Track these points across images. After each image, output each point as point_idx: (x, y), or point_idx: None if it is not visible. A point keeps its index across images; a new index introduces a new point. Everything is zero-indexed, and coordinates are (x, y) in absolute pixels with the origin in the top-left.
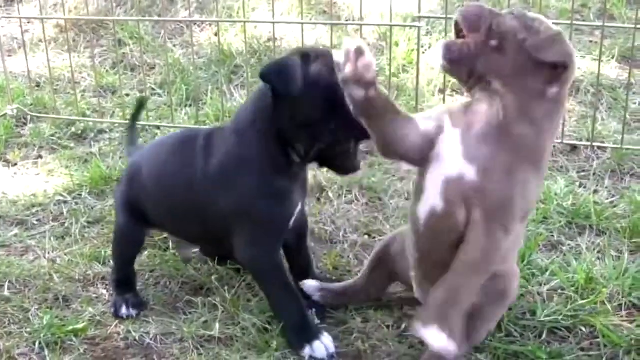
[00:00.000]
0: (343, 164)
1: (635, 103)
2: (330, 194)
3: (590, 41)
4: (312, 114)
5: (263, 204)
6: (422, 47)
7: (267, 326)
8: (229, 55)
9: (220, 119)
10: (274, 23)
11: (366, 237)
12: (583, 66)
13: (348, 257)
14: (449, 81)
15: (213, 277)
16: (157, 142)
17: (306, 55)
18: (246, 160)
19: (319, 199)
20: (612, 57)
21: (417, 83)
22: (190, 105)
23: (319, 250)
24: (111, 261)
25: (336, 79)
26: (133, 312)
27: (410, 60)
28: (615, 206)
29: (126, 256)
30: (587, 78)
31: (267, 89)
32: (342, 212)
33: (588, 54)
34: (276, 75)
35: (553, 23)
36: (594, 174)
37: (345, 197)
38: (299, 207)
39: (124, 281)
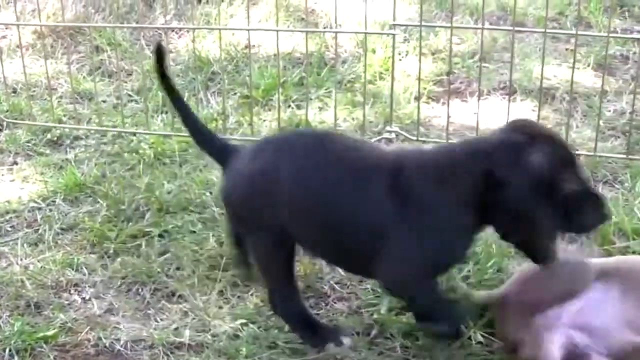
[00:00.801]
0: (535, 254)
1: (609, 111)
2: None
3: (567, 49)
4: (522, 205)
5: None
6: (399, 54)
7: (237, 333)
8: (206, 62)
9: None
10: (249, 30)
11: None
12: (559, 74)
13: (322, 264)
14: (424, 88)
15: (185, 284)
16: (315, 149)
17: (537, 147)
18: (437, 214)
19: None
20: (588, 65)
21: (392, 90)
22: (166, 112)
23: None
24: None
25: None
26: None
27: (387, 67)
28: None
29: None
30: (563, 86)
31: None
32: None
33: (564, 62)
34: (507, 160)
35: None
36: None
37: None
38: None
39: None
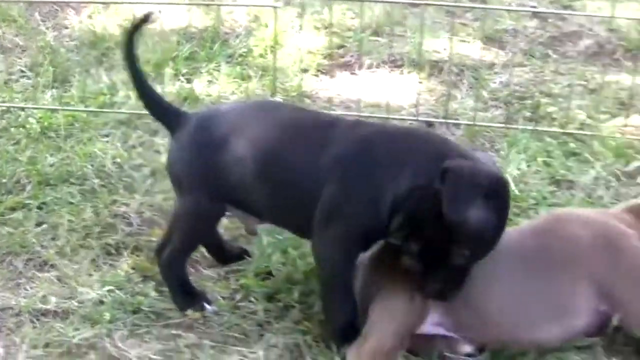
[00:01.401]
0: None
1: (495, 82)
2: None
3: (461, 23)
4: (423, 229)
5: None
6: (293, 28)
7: (103, 299)
8: (101, 38)
9: (85, 101)
10: (139, 3)
11: None
12: (448, 47)
13: None
14: (313, 61)
15: (58, 253)
16: (260, 115)
17: (490, 196)
18: (375, 181)
19: None
20: (478, 39)
21: (274, 61)
22: (57, 87)
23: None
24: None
25: (470, 247)
26: (211, 308)
27: (279, 41)
28: None
29: (197, 238)
30: (451, 58)
31: (436, 182)
32: None
33: (455, 35)
34: (454, 190)
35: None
36: None
37: None
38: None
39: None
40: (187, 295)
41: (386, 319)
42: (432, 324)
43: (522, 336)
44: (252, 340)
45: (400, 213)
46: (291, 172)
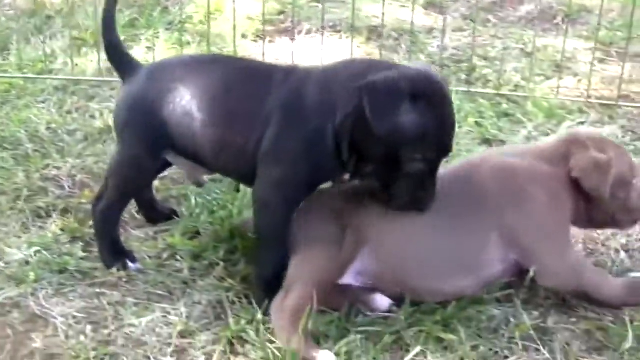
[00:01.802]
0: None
1: (433, 47)
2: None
3: None
4: (367, 152)
5: (303, 162)
6: None
7: (29, 260)
8: (41, 5)
9: (23, 68)
10: None
11: None
12: (389, 12)
13: None
14: (252, 27)
15: None
16: (212, 67)
17: (418, 96)
18: (311, 120)
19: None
20: (419, 4)
21: (208, 28)
22: None
23: (97, 188)
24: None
25: (416, 151)
26: (134, 266)
27: (219, 8)
28: None
29: (133, 189)
30: (391, 24)
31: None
32: None
33: (395, 1)
34: (375, 100)
35: None
36: None
37: None
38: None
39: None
40: (114, 253)
41: (307, 271)
42: (353, 274)
43: (438, 286)
44: (176, 298)
45: (343, 144)
46: (235, 121)
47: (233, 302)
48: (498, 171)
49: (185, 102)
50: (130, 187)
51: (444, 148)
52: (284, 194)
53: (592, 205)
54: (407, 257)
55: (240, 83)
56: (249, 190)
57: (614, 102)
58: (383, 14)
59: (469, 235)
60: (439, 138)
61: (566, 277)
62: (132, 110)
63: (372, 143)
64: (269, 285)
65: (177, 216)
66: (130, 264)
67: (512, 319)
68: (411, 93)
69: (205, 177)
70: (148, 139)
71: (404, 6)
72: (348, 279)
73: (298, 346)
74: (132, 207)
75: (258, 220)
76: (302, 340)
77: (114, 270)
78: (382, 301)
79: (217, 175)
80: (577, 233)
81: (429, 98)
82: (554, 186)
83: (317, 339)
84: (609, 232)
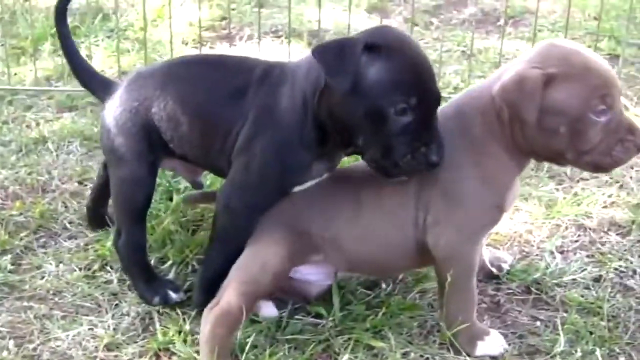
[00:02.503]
0: (379, 167)
1: None
2: (50, 145)
3: None
4: (349, 120)
5: (273, 164)
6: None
7: None
8: None
9: None
10: None
11: (77, 184)
12: (332, 17)
13: (57, 204)
14: (194, 34)
15: None
16: (190, 69)
17: (373, 47)
18: (280, 126)
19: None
20: (363, 8)
21: (145, 34)
22: None
23: (29, 199)
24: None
25: (395, 96)
26: (177, 296)
27: (161, 15)
28: None
29: (142, 208)
30: (334, 28)
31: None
32: (59, 161)
33: (338, 5)
34: (328, 59)
35: None
36: None
37: (66, 147)
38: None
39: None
40: (152, 285)
41: (239, 279)
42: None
43: (375, 264)
44: (104, 310)
45: (321, 121)
46: (215, 121)
47: (162, 314)
48: None
49: (169, 107)
50: (138, 206)
51: (426, 91)
52: (248, 200)
53: (525, 134)
54: (344, 235)
55: (218, 83)
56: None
57: None
58: (319, 19)
59: (395, 208)
60: (415, 81)
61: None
62: (120, 125)
63: (351, 109)
64: (209, 287)
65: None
66: (172, 295)
67: (443, 325)
68: (366, 43)
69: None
70: (142, 150)
71: (346, 10)
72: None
73: None
74: (63, 217)
75: (218, 221)
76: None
77: (156, 303)
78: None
79: None
80: (513, 236)
81: (388, 45)
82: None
83: (243, 348)
84: (543, 234)
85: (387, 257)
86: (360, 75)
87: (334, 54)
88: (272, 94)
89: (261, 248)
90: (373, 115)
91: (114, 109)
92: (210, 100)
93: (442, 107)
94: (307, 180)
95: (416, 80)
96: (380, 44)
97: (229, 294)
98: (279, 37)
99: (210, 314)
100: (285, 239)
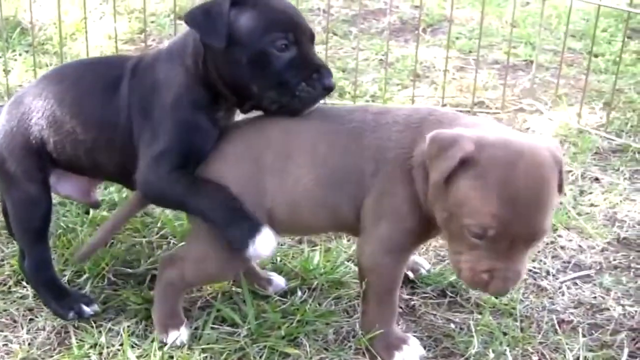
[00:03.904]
0: (281, 106)
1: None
2: None
3: None
4: (237, 72)
5: (178, 136)
6: (97, 14)
7: None
8: None
9: None
10: None
11: None
12: None
13: None
14: (112, 47)
15: None
16: (63, 72)
17: (238, 2)
18: (168, 93)
19: None
20: None
21: (61, 48)
22: None
23: None
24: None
25: (272, 34)
26: (91, 309)
27: (80, 29)
28: None
29: (41, 226)
30: None
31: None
32: None
33: None
34: (199, 21)
35: None
36: None
37: None
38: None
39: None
40: (63, 302)
41: (199, 259)
42: None
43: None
44: (19, 325)
45: (213, 84)
46: (97, 119)
47: (78, 327)
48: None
49: (48, 112)
50: (36, 226)
51: (300, 26)
52: (166, 166)
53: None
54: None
55: (91, 79)
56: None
57: (468, 109)
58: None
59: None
60: (287, 18)
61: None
62: (4, 148)
63: (236, 62)
64: (230, 220)
65: None
66: (85, 309)
67: (359, 331)
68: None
69: (97, 196)
70: (30, 169)
71: None
72: None
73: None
74: None
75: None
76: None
77: (70, 318)
78: (278, 281)
79: (63, 200)
80: (429, 240)
81: None
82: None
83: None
84: None
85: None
86: (234, 29)
87: (204, 16)
88: (150, 77)
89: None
90: (258, 60)
91: None
92: (85, 95)
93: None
94: (215, 133)
95: (288, 17)
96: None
97: (185, 269)
98: None
99: (162, 274)
100: None
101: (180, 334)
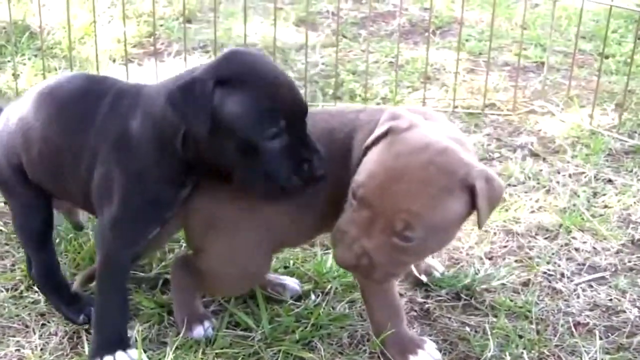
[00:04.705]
0: (262, 192)
1: (303, 63)
2: None
3: (277, 8)
4: (221, 158)
5: (134, 208)
6: (106, 17)
7: None
8: None
9: None
10: None
11: (2, 204)
12: (260, 31)
13: None
14: (121, 51)
15: None
16: (47, 88)
17: (224, 82)
18: (135, 158)
19: None
20: (291, 22)
21: (70, 53)
22: None
23: None
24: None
25: (262, 125)
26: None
27: (89, 32)
28: None
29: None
30: (263, 41)
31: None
32: None
33: (266, 19)
34: (179, 104)
35: None
36: None
37: None
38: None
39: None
40: (73, 306)
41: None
42: None
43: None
44: (31, 330)
45: (188, 160)
46: (65, 150)
47: (90, 332)
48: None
49: (24, 132)
50: (38, 233)
51: (292, 109)
52: (120, 236)
53: None
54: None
55: (67, 104)
56: None
57: (479, 111)
58: (245, 34)
59: None
60: (277, 103)
61: None
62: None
63: (220, 149)
64: (106, 335)
65: None
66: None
67: (373, 334)
68: (216, 79)
69: (83, 217)
70: (19, 177)
71: (272, 24)
72: None
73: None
74: None
75: (97, 259)
76: None
77: (81, 322)
78: (293, 285)
79: None
80: None
81: (238, 75)
82: None
83: None
84: (472, 241)
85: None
86: (219, 113)
87: (184, 98)
88: (124, 122)
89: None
90: (245, 149)
91: None
92: (57, 121)
93: None
94: (176, 207)
95: (278, 101)
96: (229, 77)
97: (199, 281)
98: (207, 52)
99: (177, 278)
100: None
101: (206, 328)
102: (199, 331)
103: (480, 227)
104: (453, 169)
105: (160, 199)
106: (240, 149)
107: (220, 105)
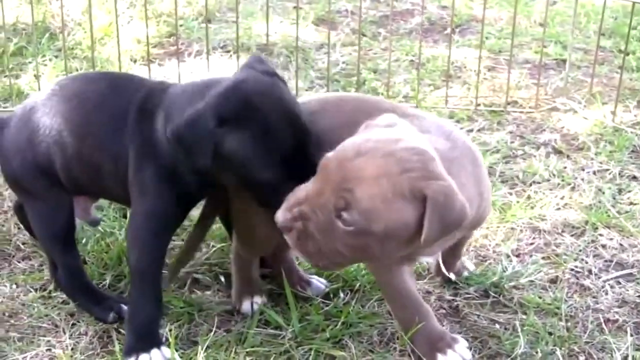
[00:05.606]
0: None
1: (323, 62)
2: None
3: (294, 7)
4: (225, 181)
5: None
6: (125, 17)
7: None
8: None
9: None
10: None
11: None
12: (280, 30)
13: (10, 225)
14: (142, 51)
15: None
16: (72, 87)
17: (225, 120)
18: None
19: None
20: (310, 21)
21: (92, 52)
22: None
23: None
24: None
25: (264, 166)
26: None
27: (109, 33)
28: None
29: (64, 234)
30: (283, 41)
31: None
32: None
33: (287, 19)
34: (184, 145)
35: None
36: None
37: None
38: None
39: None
40: (102, 305)
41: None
42: None
43: None
44: (61, 330)
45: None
46: (100, 143)
47: (119, 331)
48: None
49: (55, 132)
50: (61, 234)
51: (293, 139)
52: (153, 227)
53: None
54: None
55: (101, 108)
56: None
57: (502, 109)
58: (267, 33)
59: None
60: (278, 138)
61: None
62: (18, 164)
63: (223, 179)
64: (140, 333)
65: None
66: (125, 308)
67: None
68: (218, 116)
69: (95, 214)
70: (44, 181)
71: (294, 23)
72: None
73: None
74: (16, 239)
75: (129, 256)
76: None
77: (111, 320)
78: (318, 283)
79: (103, 202)
80: (469, 241)
81: (238, 113)
82: None
83: None
84: (499, 238)
85: None
86: (221, 149)
87: (189, 138)
88: (152, 125)
89: None
90: (248, 181)
91: (9, 141)
92: (91, 122)
93: None
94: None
95: (278, 139)
96: (230, 116)
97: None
98: (228, 52)
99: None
100: None
101: (254, 302)
102: (247, 306)
103: (423, 243)
104: (412, 170)
105: (189, 192)
106: (241, 181)
107: (221, 142)
